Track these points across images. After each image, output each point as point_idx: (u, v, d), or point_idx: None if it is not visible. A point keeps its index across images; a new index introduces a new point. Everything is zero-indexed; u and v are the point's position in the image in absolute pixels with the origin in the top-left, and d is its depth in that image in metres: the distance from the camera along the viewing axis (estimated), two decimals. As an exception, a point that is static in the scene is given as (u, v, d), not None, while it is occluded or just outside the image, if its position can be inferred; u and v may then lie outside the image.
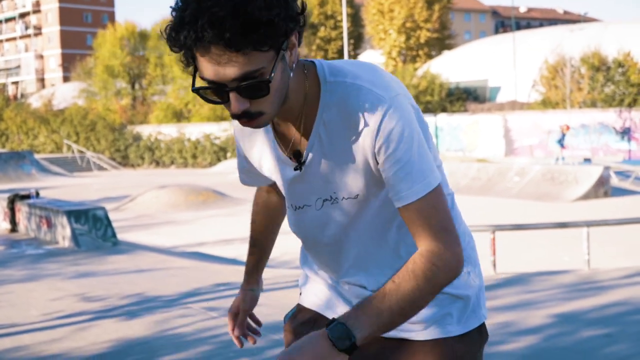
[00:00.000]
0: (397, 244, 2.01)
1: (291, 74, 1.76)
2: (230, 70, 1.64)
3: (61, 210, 12.71)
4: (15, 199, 14.83)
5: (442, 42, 58.31)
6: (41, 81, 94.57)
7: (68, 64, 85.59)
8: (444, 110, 41.35)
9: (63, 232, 12.66)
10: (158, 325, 6.76)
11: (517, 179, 24.16)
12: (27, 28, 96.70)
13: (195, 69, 1.71)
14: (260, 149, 2.03)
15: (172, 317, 7.05)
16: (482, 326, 2.12)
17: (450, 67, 48.30)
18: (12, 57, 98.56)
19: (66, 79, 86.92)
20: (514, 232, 11.68)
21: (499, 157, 34.00)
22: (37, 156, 41.15)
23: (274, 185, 2.32)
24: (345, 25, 36.16)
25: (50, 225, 13.17)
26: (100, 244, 12.37)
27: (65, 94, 63.70)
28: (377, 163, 1.82)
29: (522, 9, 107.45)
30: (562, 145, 27.36)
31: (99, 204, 16.66)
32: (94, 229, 12.48)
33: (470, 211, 18.46)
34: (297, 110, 1.85)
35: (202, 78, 1.68)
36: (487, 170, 25.88)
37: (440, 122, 37.09)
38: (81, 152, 46.74)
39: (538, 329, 6.55)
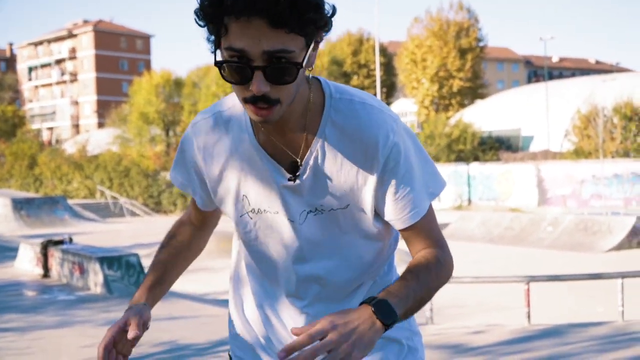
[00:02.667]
0: (370, 269, 2.00)
1: (305, 75, 1.75)
2: (264, 44, 1.59)
3: (94, 256, 12.78)
4: (48, 244, 14.93)
5: (474, 91, 58.39)
6: (76, 127, 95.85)
7: (103, 110, 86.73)
8: (476, 159, 41.25)
9: (95, 279, 12.71)
10: (188, 373, 6.73)
11: (550, 229, 23.95)
12: (62, 74, 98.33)
13: (218, 44, 1.66)
14: (231, 157, 1.92)
15: (202, 366, 7.03)
16: None
17: (483, 116, 48.29)
18: (47, 103, 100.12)
19: (101, 125, 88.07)
20: (548, 283, 11.56)
21: (531, 206, 33.75)
22: (70, 202, 41.51)
23: (201, 215, 2.19)
24: (378, 74, 36.48)
25: (82, 271, 13.23)
26: (133, 291, 12.38)
27: (100, 140, 64.50)
28: (382, 181, 1.83)
29: (555, 59, 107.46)
30: None
31: (132, 250, 16.72)
32: (127, 275, 12.52)
33: (504, 261, 18.37)
34: (297, 119, 1.82)
35: (230, 49, 1.62)
36: (520, 220, 25.71)
37: (472, 171, 36.96)
38: (114, 198, 47.11)
39: (573, 383, 6.44)
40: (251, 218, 1.95)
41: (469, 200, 36.56)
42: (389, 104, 62.04)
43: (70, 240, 15.37)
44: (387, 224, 1.94)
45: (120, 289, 12.34)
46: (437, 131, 42.74)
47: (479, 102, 56.24)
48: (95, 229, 33.15)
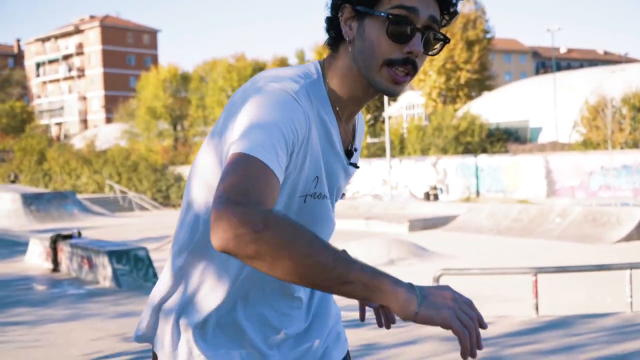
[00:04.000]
0: None
1: None
2: (433, 10, 1.70)
3: (103, 250, 12.83)
4: (57, 239, 14.99)
5: (482, 83, 58.25)
6: (84, 122, 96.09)
7: (111, 105, 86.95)
8: (484, 151, 41.18)
9: (104, 272, 12.77)
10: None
11: (558, 221, 23.93)
12: (70, 70, 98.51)
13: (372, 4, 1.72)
14: (318, 135, 1.81)
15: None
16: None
17: (491, 108, 48.18)
18: (55, 99, 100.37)
19: (109, 120, 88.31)
20: (556, 275, 11.55)
21: (540, 198, 33.70)
22: (79, 196, 41.63)
23: None
24: (384, 66, 36.41)
25: (91, 265, 13.29)
26: (142, 284, 12.44)
27: (108, 135, 64.71)
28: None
29: (563, 50, 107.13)
30: None
31: (141, 244, 16.78)
32: (135, 269, 12.57)
33: (512, 253, 18.37)
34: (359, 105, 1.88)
35: (402, 7, 1.69)
36: (529, 211, 25.68)
37: (480, 163, 36.91)
38: (123, 192, 47.23)
39: (581, 373, 6.44)
40: (305, 201, 1.82)
41: (477, 192, 36.51)
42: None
43: (79, 234, 15.43)
44: None
45: (129, 282, 12.40)
46: (445, 123, 42.65)
47: (486, 94, 56.10)
48: (104, 223, 33.25)
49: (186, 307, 1.86)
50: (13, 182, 47.44)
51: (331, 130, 1.83)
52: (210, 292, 1.83)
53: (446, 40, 1.73)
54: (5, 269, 16.12)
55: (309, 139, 1.74)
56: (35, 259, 16.23)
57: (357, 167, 1.94)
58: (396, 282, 1.46)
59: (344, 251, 1.49)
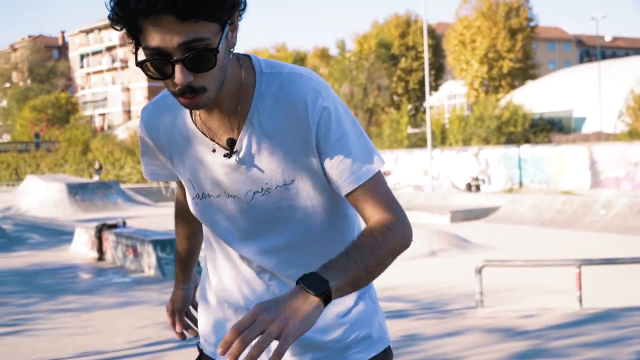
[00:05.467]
0: (332, 232, 2.01)
1: (230, 57, 1.77)
2: (177, 38, 1.63)
3: (147, 239, 12.98)
4: (102, 228, 15.20)
5: (525, 72, 57.70)
6: (127, 113, 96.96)
7: (154, 96, 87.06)
8: (527, 141, 40.78)
9: (149, 261, 12.92)
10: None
11: (603, 212, 23.65)
12: (113, 61, 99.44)
13: (138, 44, 1.70)
14: (175, 140, 1.98)
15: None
16: (388, 349, 2.15)
17: (534, 98, 47.70)
18: (99, 90, 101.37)
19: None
20: (600, 267, 11.43)
21: (584, 189, 33.30)
22: (123, 186, 42.05)
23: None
24: (426, 56, 36.21)
25: (136, 254, 13.45)
26: (185, 274, 12.55)
27: (151, 126, 65.14)
28: (319, 148, 1.85)
29: (607, 38, 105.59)
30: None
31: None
32: (179, 258, 12.69)
33: (555, 245, 18.20)
34: (230, 99, 1.85)
35: (147, 48, 1.67)
36: (572, 203, 25.41)
37: (523, 154, 36.55)
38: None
39: (626, 366, 6.39)
40: (199, 202, 2.00)
41: (520, 183, 36.18)
42: (437, 86, 61.65)
43: (124, 223, 15.63)
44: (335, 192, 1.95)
45: (172, 271, 12.51)
46: (487, 113, 42.30)
47: (529, 83, 55.53)
48: (148, 213, 33.56)
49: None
50: (99, 169, 47.91)
51: (185, 127, 1.95)
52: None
53: (214, 52, 1.66)
54: (52, 257, 16.39)
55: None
56: (80, 248, 16.47)
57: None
58: None
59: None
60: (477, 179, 36.25)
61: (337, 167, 1.84)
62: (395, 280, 11.50)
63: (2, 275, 14.19)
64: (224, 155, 1.88)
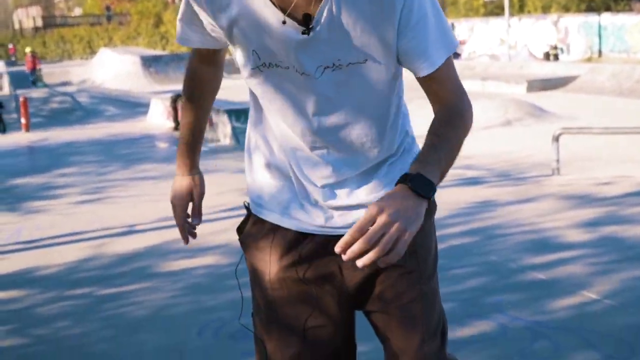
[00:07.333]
0: (395, 118, 2.01)
1: None
2: None
3: (222, 109, 13.12)
4: (177, 98, 15.39)
5: None
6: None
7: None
8: (607, 9, 39.32)
9: (224, 130, 13.09)
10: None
11: (686, 81, 22.93)
12: None
13: None
14: (240, 9, 1.81)
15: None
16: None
17: (617, -38, 45.71)
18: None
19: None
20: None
21: (666, 58, 32.23)
22: (196, 58, 42.25)
23: (209, 54, 2.20)
24: None
25: (212, 123, 13.63)
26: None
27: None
28: (399, 29, 1.79)
29: None
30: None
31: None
32: (253, 127, 12.84)
33: (634, 115, 17.75)
34: None
35: None
36: (653, 71, 24.67)
37: (604, 22, 35.31)
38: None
39: None
40: (261, 71, 1.90)
41: (600, 52, 35.12)
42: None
43: (199, 94, 15.78)
44: (400, 78, 1.96)
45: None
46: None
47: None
48: (221, 84, 33.79)
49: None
50: None
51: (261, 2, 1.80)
52: None
53: None
54: (129, 128, 16.76)
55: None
56: (157, 118, 16.76)
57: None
58: None
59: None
60: (555, 47, 35.28)
61: (413, 51, 1.81)
62: (469, 150, 11.43)
63: (81, 145, 14.58)
64: (302, 32, 1.78)
